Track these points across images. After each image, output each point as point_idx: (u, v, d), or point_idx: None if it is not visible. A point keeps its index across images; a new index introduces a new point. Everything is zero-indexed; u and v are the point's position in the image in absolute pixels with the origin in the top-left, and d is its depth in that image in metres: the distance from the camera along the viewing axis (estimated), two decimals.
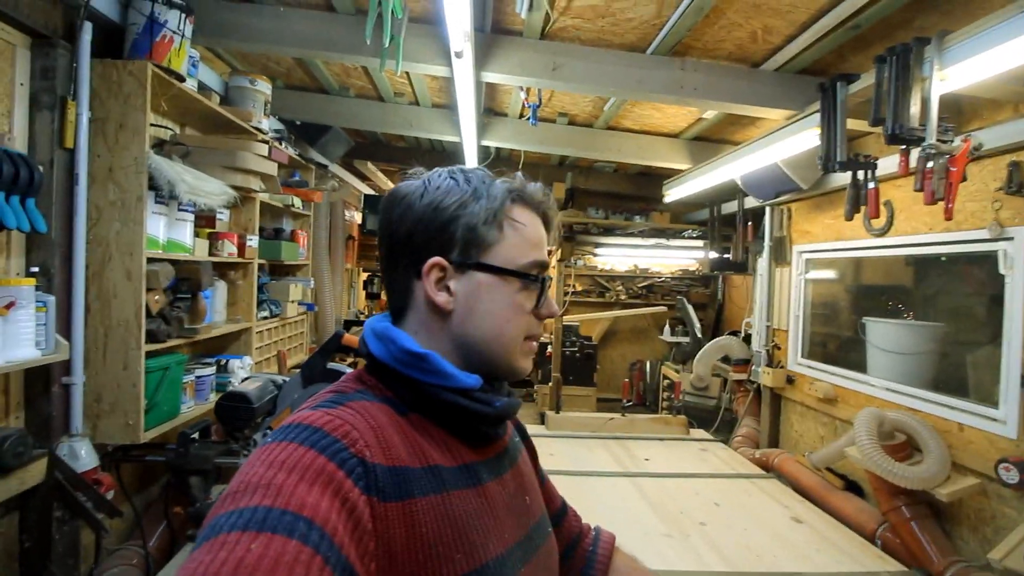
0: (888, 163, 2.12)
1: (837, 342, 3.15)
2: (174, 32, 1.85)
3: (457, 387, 0.60)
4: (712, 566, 1.83)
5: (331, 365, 2.02)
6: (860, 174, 2.09)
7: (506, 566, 0.58)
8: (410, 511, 0.51)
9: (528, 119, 2.63)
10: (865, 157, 2.06)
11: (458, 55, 1.76)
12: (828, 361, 3.06)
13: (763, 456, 3.11)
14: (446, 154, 4.10)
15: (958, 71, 1.56)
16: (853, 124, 2.06)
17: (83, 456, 1.75)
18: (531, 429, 3.31)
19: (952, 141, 1.67)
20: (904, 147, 1.79)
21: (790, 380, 3.29)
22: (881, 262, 2.86)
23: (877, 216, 2.11)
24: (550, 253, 0.72)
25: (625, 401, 3.89)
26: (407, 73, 2.72)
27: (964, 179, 1.66)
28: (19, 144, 1.62)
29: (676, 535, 2.05)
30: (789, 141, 2.36)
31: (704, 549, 1.94)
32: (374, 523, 0.48)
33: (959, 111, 2.09)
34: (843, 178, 2.48)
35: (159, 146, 2.07)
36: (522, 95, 2.61)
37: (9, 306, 1.43)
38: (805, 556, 1.94)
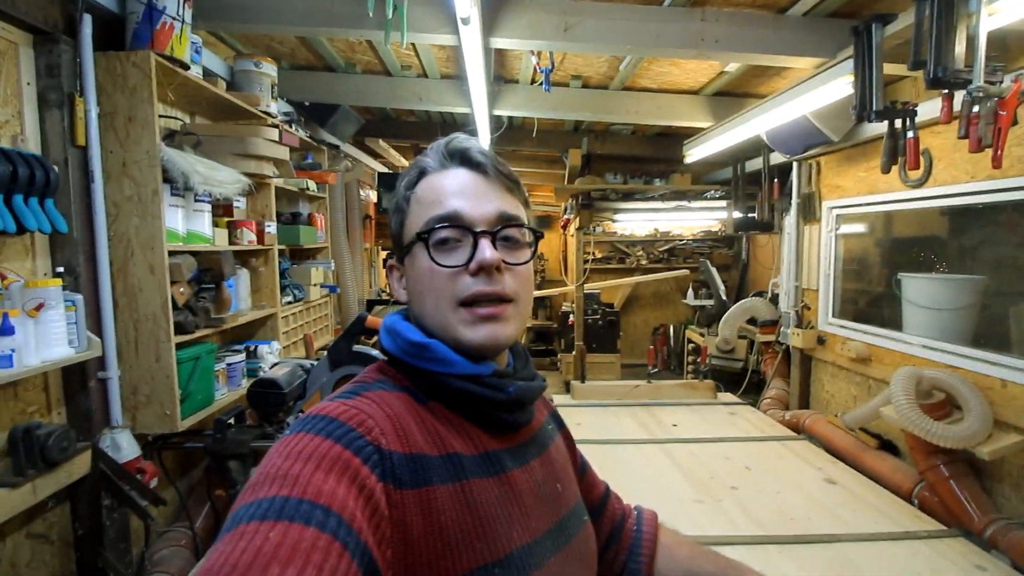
0: (927, 109, 1.98)
1: (870, 300, 3.04)
2: (173, 18, 1.80)
3: (465, 374, 0.59)
4: (746, 531, 1.83)
5: (357, 347, 2.04)
6: (898, 123, 1.96)
7: (534, 556, 0.57)
8: (427, 499, 0.51)
9: (541, 84, 2.53)
10: (903, 104, 1.93)
11: (465, 21, 1.68)
12: (861, 320, 2.97)
13: (793, 418, 3.07)
14: (457, 126, 4.00)
15: (1010, 2, 1.43)
16: (889, 69, 1.92)
17: (125, 447, 1.81)
18: (557, 399, 3.36)
19: (1001, 82, 1.54)
20: (947, 91, 1.66)
21: (821, 340, 3.21)
22: (917, 215, 2.72)
23: (917, 167, 1.98)
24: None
25: (651, 368, 3.85)
26: (413, 45, 2.63)
27: (1015, 122, 1.54)
28: (32, 145, 1.62)
29: (708, 501, 2.05)
30: (819, 91, 2.22)
31: (737, 514, 1.94)
32: (390, 510, 0.48)
33: (1006, 49, 1.93)
34: (876, 128, 2.34)
35: (170, 137, 2.05)
36: (533, 60, 2.50)
37: (39, 307, 1.45)
38: (840, 518, 1.92)
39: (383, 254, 5.32)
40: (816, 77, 2.19)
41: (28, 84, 1.62)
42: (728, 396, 3.49)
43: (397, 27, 1.87)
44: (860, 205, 2.91)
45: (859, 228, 3.09)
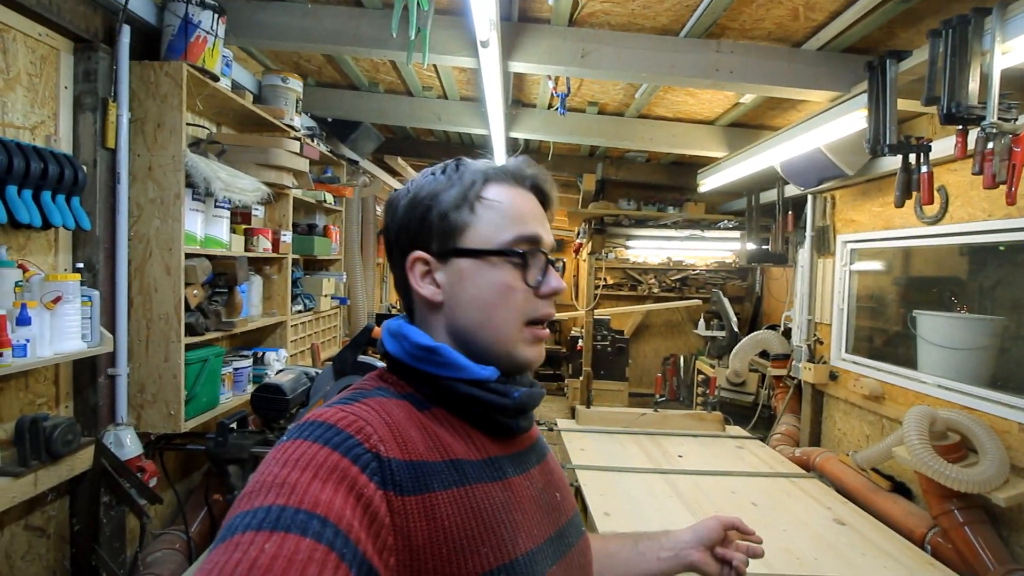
0: (942, 145, 1.98)
1: (884, 337, 2.99)
2: (207, 33, 1.89)
3: (472, 379, 0.59)
4: (749, 568, 1.77)
5: (362, 358, 2.05)
6: (912, 158, 1.96)
7: (536, 563, 0.56)
8: (430, 505, 0.51)
9: (557, 109, 2.58)
10: (917, 139, 1.93)
11: (484, 44, 1.73)
12: (875, 356, 2.91)
13: (803, 455, 2.99)
14: (475, 147, 4.08)
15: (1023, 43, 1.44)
16: (903, 105, 1.93)
17: (128, 444, 1.83)
18: (561, 424, 3.31)
19: (1015, 119, 1.54)
20: (961, 127, 1.66)
21: (833, 376, 3.15)
22: (933, 252, 2.69)
23: (931, 203, 1.97)
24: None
25: (658, 397, 3.80)
26: (434, 66, 2.71)
27: None
28: (64, 145, 1.69)
29: None
30: (833, 124, 2.23)
31: None
32: (392, 517, 0.48)
33: (1021, 87, 1.94)
34: (892, 163, 2.34)
35: (196, 144, 2.13)
36: (550, 84, 2.56)
37: (56, 300, 1.49)
38: (849, 560, 1.85)
39: None
40: (830, 110, 2.21)
41: (66, 88, 1.70)
42: (737, 429, 3.42)
43: (419, 48, 1.94)
44: (875, 240, 2.89)
45: (874, 264, 3.06)
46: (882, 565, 1.84)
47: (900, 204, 1.99)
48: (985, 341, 2.36)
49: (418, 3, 1.77)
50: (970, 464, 2.09)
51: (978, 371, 2.33)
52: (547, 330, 0.64)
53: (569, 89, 2.56)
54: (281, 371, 2.13)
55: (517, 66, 2.20)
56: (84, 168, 1.64)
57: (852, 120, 2.11)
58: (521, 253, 0.61)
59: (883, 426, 2.79)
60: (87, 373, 1.79)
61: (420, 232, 0.62)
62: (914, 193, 1.96)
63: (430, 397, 0.60)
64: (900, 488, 2.54)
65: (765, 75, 2.21)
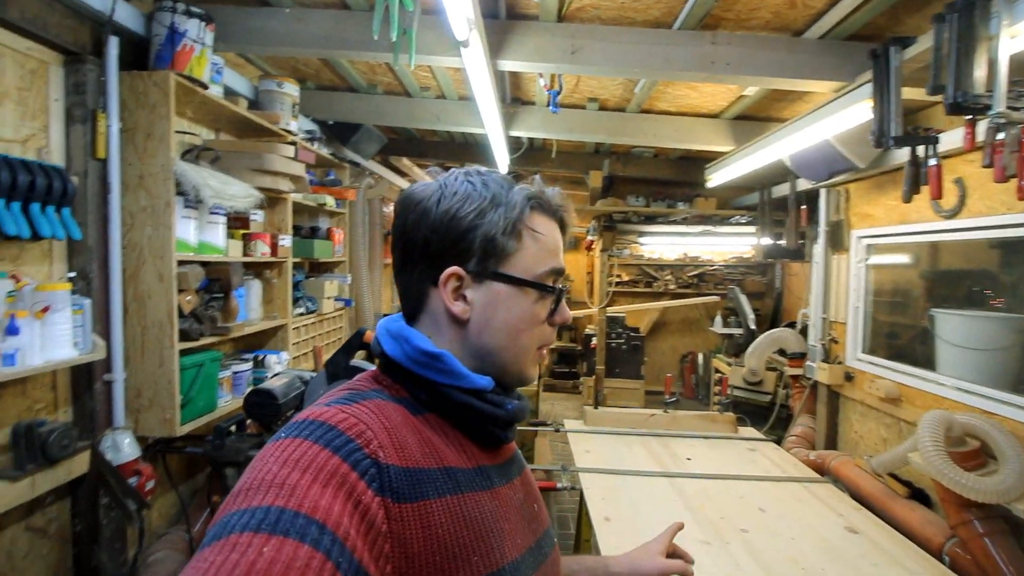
0: (954, 137, 1.86)
1: (902, 336, 2.86)
2: (194, 41, 1.91)
3: (470, 388, 0.60)
4: None
5: (354, 362, 2.05)
6: (920, 149, 1.85)
7: (520, 571, 0.58)
8: (425, 512, 0.51)
9: (549, 107, 2.53)
10: (926, 130, 1.82)
11: (464, 44, 1.70)
12: (892, 356, 2.78)
13: (818, 458, 2.89)
14: (479, 147, 4.05)
15: None
16: (914, 94, 1.82)
17: (125, 448, 1.87)
18: (568, 424, 3.27)
19: None
20: (969, 117, 1.56)
21: (848, 377, 3.03)
22: (952, 246, 2.55)
23: (939, 196, 1.86)
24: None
25: (668, 396, 3.72)
26: (430, 67, 2.69)
27: None
28: (56, 157, 1.73)
29: (715, 542, 1.93)
30: (839, 116, 2.13)
31: (744, 559, 1.81)
32: (389, 524, 0.48)
33: None
34: (906, 154, 2.22)
35: (191, 152, 2.16)
36: (541, 82, 2.51)
37: (45, 310, 1.53)
38: (858, 570, 1.77)
39: None
40: (835, 102, 2.11)
41: (56, 100, 1.73)
42: (750, 431, 3.32)
43: (405, 49, 1.92)
44: (891, 235, 2.76)
45: (890, 259, 2.92)
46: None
47: (907, 199, 1.89)
48: (1007, 341, 2.23)
49: (401, 4, 1.75)
50: (989, 472, 1.97)
51: (1000, 373, 2.20)
52: (547, 351, 0.69)
53: (561, 86, 2.51)
54: (275, 375, 2.15)
55: (506, 64, 2.17)
56: (74, 179, 1.68)
57: (858, 111, 2.01)
58: (556, 289, 0.65)
59: (900, 429, 2.67)
60: (84, 379, 1.83)
61: (458, 247, 0.61)
62: (923, 186, 1.85)
63: (424, 403, 0.60)
64: (919, 495, 2.42)
65: (764, 66, 2.12)
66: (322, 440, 0.48)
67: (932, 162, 1.81)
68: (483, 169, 0.66)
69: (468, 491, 0.56)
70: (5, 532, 1.63)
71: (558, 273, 0.65)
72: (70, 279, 1.74)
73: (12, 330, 1.45)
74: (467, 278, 0.61)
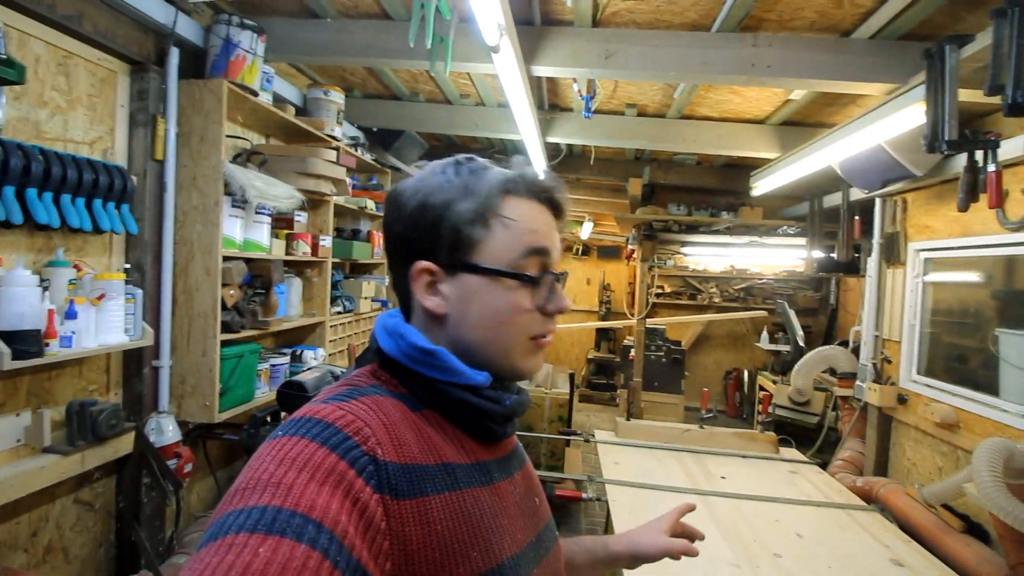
0: (1020, 143, 1.73)
1: (961, 357, 2.64)
2: (247, 51, 2.03)
3: (466, 384, 0.59)
4: None
5: None
6: (979, 155, 1.73)
7: (520, 566, 0.57)
8: (424, 509, 0.51)
9: (583, 113, 2.52)
10: (985, 134, 1.69)
11: (494, 50, 1.73)
12: (950, 379, 2.58)
13: (865, 484, 2.71)
14: (518, 153, 4.09)
15: None
16: (975, 97, 1.70)
17: (168, 431, 1.99)
18: (599, 435, 3.21)
19: None
20: None
21: (902, 399, 2.83)
22: (1022, 261, 2.35)
23: (998, 205, 1.72)
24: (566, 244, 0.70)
25: (704, 412, 3.57)
26: (469, 74, 2.75)
27: None
28: (119, 158, 1.88)
29: (745, 566, 1.84)
30: (890, 119, 2.01)
31: None
32: (388, 521, 0.48)
33: None
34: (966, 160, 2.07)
35: (241, 155, 2.29)
36: (575, 87, 2.51)
37: (100, 297, 1.66)
38: None
39: None
40: (886, 105, 1.99)
41: (122, 106, 1.89)
42: (792, 452, 3.16)
43: (441, 56, 1.97)
44: (952, 248, 2.57)
45: (952, 275, 2.72)
46: None
47: (964, 208, 1.76)
48: None
49: (438, 11, 1.80)
50: None
51: None
52: (549, 337, 0.64)
53: (595, 92, 2.49)
54: (308, 369, 2.23)
55: (540, 70, 2.18)
56: (134, 178, 1.81)
57: (911, 114, 1.89)
58: (533, 277, 0.61)
59: (958, 458, 2.47)
60: (134, 364, 1.97)
61: (428, 240, 0.60)
62: (981, 195, 1.72)
63: (422, 399, 0.59)
64: (975, 530, 2.22)
65: (809, 68, 2.03)
66: (319, 438, 0.48)
67: (991, 168, 1.68)
68: (468, 158, 0.64)
69: (467, 487, 0.56)
70: (56, 503, 1.76)
71: (540, 255, 0.61)
72: (125, 270, 1.88)
73: (71, 314, 1.58)
74: (439, 272, 0.60)
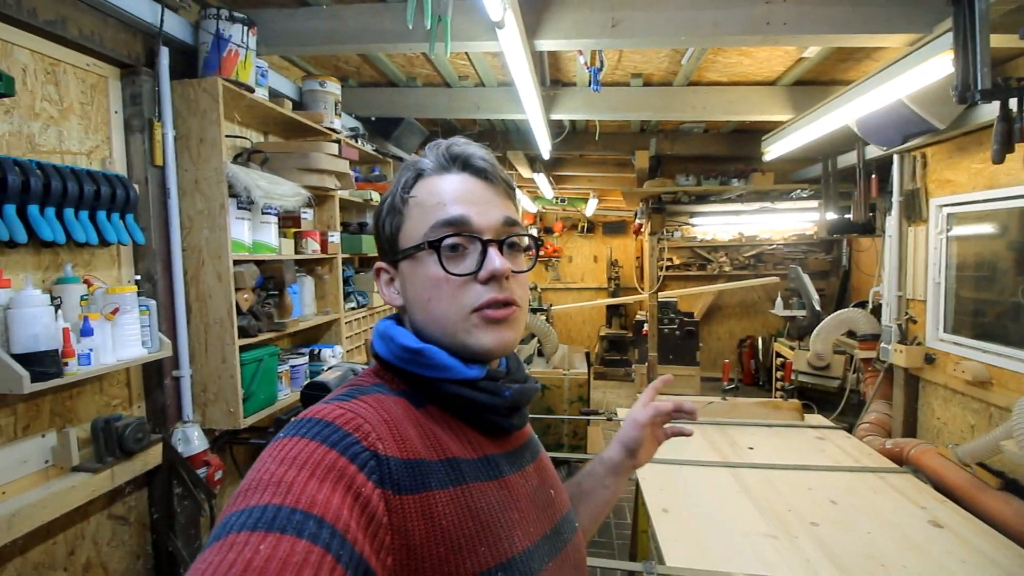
0: None
1: (992, 313, 2.59)
2: (238, 46, 1.95)
3: (459, 379, 0.59)
4: (824, 575, 1.60)
5: None
6: (1012, 103, 1.65)
7: (533, 560, 0.57)
8: (428, 503, 0.51)
9: (591, 86, 2.43)
10: (1019, 81, 1.61)
11: (499, 25, 1.65)
12: (979, 336, 2.53)
13: (895, 447, 2.68)
14: (520, 134, 3.99)
15: None
16: (999, 42, 1.62)
17: (195, 440, 1.97)
18: (621, 413, 3.19)
19: None
20: None
21: (929, 359, 2.79)
22: None
23: None
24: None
25: (726, 384, 3.55)
26: (467, 54, 2.66)
27: None
28: (118, 166, 1.82)
29: (781, 536, 1.82)
30: (914, 72, 1.93)
31: (815, 554, 1.70)
32: (389, 516, 0.48)
33: None
34: (993, 111, 1.98)
35: (241, 155, 2.22)
36: (581, 60, 2.42)
37: (115, 312, 1.62)
38: (946, 568, 1.62)
39: None
40: (908, 57, 1.91)
41: (116, 112, 1.82)
42: (818, 418, 3.13)
43: (441, 37, 1.89)
44: (977, 202, 2.49)
45: (976, 229, 2.65)
46: (986, 574, 1.59)
47: (999, 159, 1.69)
48: None
49: None
50: None
51: None
52: (504, 309, 0.59)
53: (603, 63, 2.40)
54: (330, 368, 2.20)
55: (544, 44, 2.09)
56: (136, 187, 1.76)
57: (937, 65, 1.81)
58: (436, 241, 0.59)
59: (991, 415, 2.43)
60: (155, 376, 1.94)
61: (380, 242, 0.65)
62: (1016, 145, 1.65)
63: (422, 395, 0.60)
64: (1012, 486, 2.20)
65: (827, 23, 1.94)
66: (319, 437, 0.48)
67: None
68: (431, 145, 0.65)
69: (473, 481, 0.55)
70: (90, 520, 1.75)
71: (451, 224, 0.59)
72: (136, 282, 1.84)
73: (86, 331, 1.54)
74: (390, 267, 0.64)
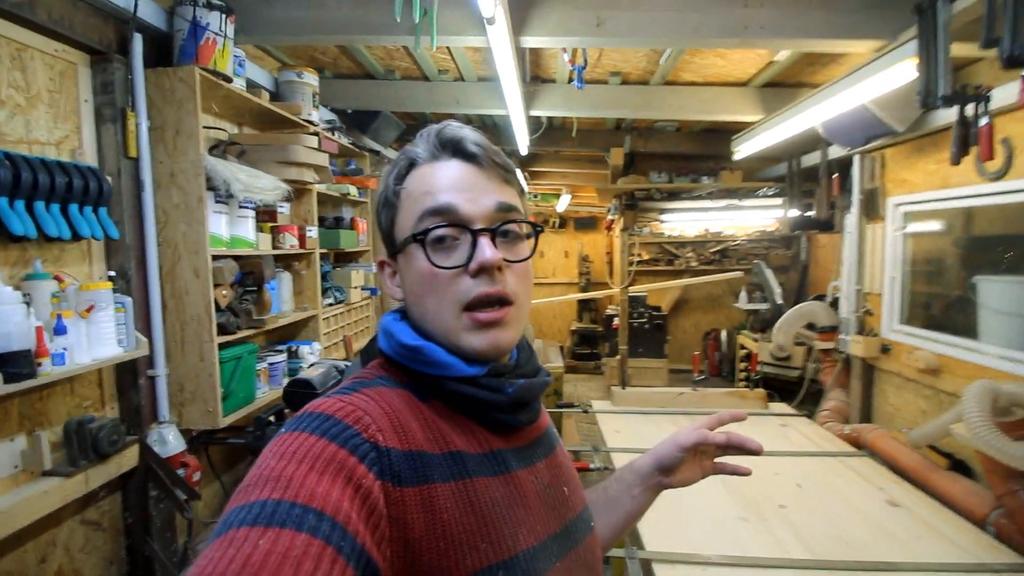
0: (1004, 93, 1.78)
1: (941, 305, 2.78)
2: (216, 34, 1.89)
3: (458, 376, 0.57)
4: (795, 554, 1.70)
5: None
6: (969, 109, 1.77)
7: (539, 559, 0.55)
8: (429, 496, 0.50)
9: (574, 83, 2.47)
10: (976, 88, 1.73)
11: (490, 21, 1.66)
12: (931, 327, 2.71)
13: (854, 432, 2.85)
14: (498, 129, 4.00)
15: None
16: (959, 50, 1.73)
17: (171, 441, 1.91)
18: (596, 405, 3.26)
19: None
20: None
21: (885, 349, 2.96)
22: (997, 211, 2.46)
23: (991, 158, 1.78)
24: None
25: (696, 375, 3.67)
26: (448, 48, 2.64)
27: None
28: (89, 157, 1.74)
29: (753, 519, 1.92)
30: (879, 77, 2.04)
31: (785, 535, 1.80)
32: (389, 507, 0.47)
33: None
34: (948, 115, 2.12)
35: (218, 147, 2.15)
36: (565, 57, 2.45)
37: (89, 309, 1.55)
38: (903, 544, 1.75)
39: None
40: (875, 62, 2.02)
41: (86, 101, 1.74)
42: (781, 407, 3.29)
43: (427, 31, 1.88)
44: (930, 201, 2.66)
45: (929, 226, 2.83)
46: (941, 549, 1.73)
47: (956, 161, 1.81)
48: None
49: None
50: None
51: None
52: (494, 312, 0.57)
53: (586, 61, 2.44)
54: (312, 365, 2.17)
55: (530, 40, 2.11)
56: (109, 179, 1.68)
57: (900, 71, 1.92)
58: (421, 233, 0.57)
59: (941, 401, 2.61)
60: (129, 375, 1.87)
61: (383, 236, 0.64)
62: (972, 147, 1.77)
63: (426, 390, 0.59)
64: (959, 466, 2.38)
65: (801, 28, 2.03)
66: (319, 430, 0.48)
67: (983, 121, 1.73)
68: (423, 132, 0.63)
69: (477, 476, 0.54)
70: (63, 526, 1.68)
71: (439, 214, 0.57)
72: (110, 278, 1.76)
73: (60, 330, 1.47)
74: (392, 261, 0.63)
